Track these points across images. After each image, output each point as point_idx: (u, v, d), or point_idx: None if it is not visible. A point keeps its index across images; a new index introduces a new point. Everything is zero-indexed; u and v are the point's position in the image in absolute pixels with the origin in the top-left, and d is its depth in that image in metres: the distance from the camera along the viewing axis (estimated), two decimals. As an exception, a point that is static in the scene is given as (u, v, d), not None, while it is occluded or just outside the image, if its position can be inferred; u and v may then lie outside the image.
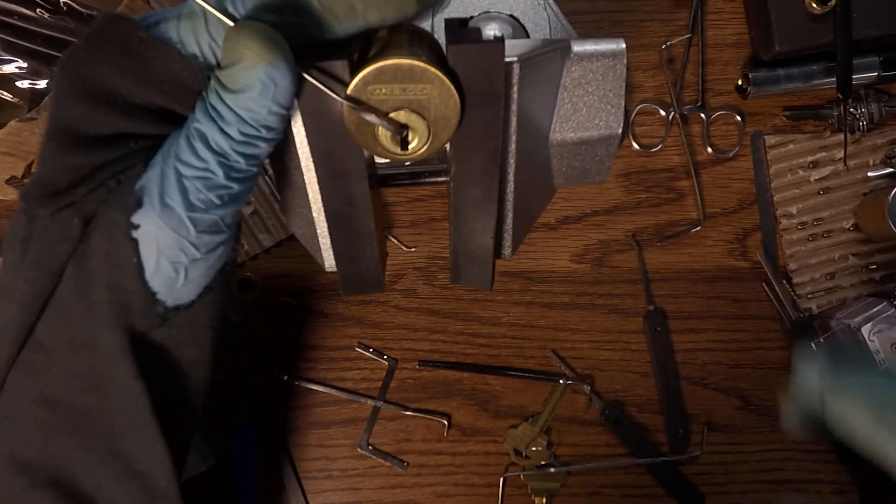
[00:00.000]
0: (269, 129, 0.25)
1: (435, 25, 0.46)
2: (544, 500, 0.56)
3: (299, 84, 0.25)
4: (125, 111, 0.24)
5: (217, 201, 0.25)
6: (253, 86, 0.23)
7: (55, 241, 0.24)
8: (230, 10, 0.23)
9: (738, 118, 0.59)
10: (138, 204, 0.24)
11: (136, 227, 0.24)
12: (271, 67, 0.23)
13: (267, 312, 0.57)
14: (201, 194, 0.24)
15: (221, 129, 0.24)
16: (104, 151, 0.24)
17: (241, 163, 0.25)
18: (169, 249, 0.24)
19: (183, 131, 0.25)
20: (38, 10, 0.49)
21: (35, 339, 0.25)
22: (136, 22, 0.23)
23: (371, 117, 0.25)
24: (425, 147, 0.27)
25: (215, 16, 0.23)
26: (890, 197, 0.53)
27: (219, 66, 0.24)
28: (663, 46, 0.58)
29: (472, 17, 0.50)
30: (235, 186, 0.25)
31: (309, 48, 0.25)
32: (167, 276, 0.25)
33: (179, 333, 0.26)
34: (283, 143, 0.29)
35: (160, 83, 0.24)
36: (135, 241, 0.24)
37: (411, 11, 0.24)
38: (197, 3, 0.23)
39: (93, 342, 0.25)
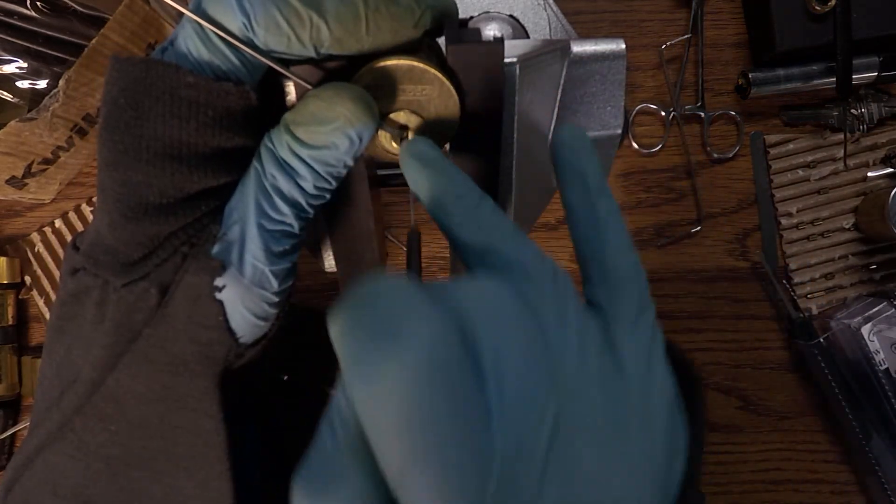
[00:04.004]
0: (337, 179, 0.25)
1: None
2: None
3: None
4: (194, 163, 0.23)
5: (291, 250, 0.25)
6: (339, 144, 0.23)
7: (131, 312, 0.24)
8: (246, 32, 0.22)
9: (738, 118, 0.59)
10: (222, 267, 0.24)
11: (221, 289, 0.24)
12: (363, 126, 0.23)
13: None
14: (281, 247, 0.25)
15: (297, 184, 0.24)
16: (176, 217, 0.24)
17: (311, 213, 0.25)
18: (253, 304, 0.25)
19: (252, 185, 0.24)
20: (38, 10, 0.49)
21: (107, 389, 0.25)
22: (177, 65, 0.22)
23: None
24: (425, 147, 0.27)
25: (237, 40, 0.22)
26: (890, 197, 0.53)
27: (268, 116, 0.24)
28: (663, 46, 0.58)
29: (472, 18, 0.49)
30: (302, 235, 0.26)
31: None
32: (252, 325, 0.25)
33: (249, 359, 0.27)
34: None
35: (220, 121, 0.23)
36: (220, 303, 0.24)
37: (411, 35, 0.24)
38: (215, 31, 0.22)
39: (167, 393, 0.25)
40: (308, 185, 0.24)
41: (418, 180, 0.23)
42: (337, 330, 0.18)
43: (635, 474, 0.19)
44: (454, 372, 0.17)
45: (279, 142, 0.24)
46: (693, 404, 0.22)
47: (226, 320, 0.24)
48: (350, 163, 0.24)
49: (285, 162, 0.24)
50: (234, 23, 0.22)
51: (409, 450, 0.16)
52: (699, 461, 0.22)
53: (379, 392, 0.16)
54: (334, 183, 0.25)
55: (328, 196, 0.25)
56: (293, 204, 0.24)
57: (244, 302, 0.25)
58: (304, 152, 0.23)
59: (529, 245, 0.21)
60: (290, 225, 0.25)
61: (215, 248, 0.24)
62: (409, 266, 0.25)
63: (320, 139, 0.23)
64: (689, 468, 0.21)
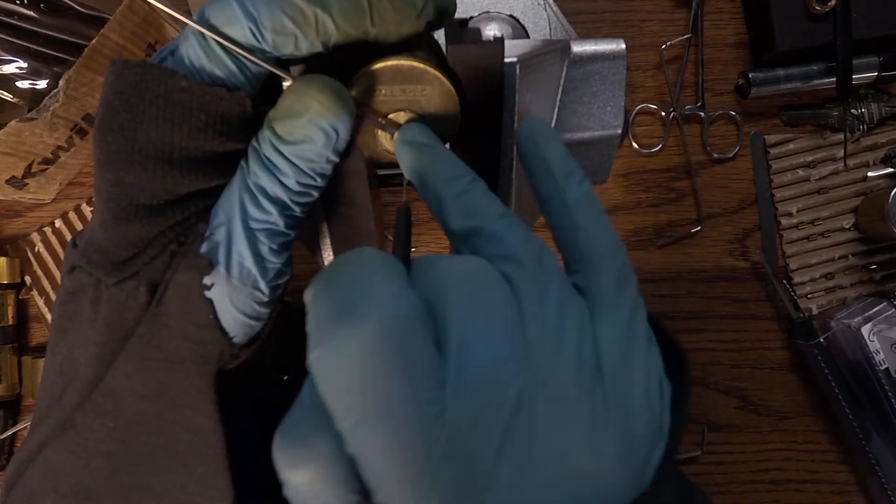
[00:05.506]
0: (323, 176, 0.25)
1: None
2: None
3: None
4: (185, 166, 0.23)
5: (279, 249, 0.25)
6: (315, 138, 0.23)
7: (121, 310, 0.24)
8: (254, 36, 0.22)
9: (738, 118, 0.59)
10: (210, 265, 0.24)
11: (209, 287, 0.24)
12: (336, 119, 0.23)
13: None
14: (267, 246, 0.25)
15: (280, 182, 0.24)
16: (165, 218, 0.24)
17: (298, 211, 0.25)
18: (242, 302, 0.25)
19: (237, 183, 0.24)
20: (38, 10, 0.49)
21: (105, 385, 0.25)
22: (172, 70, 0.22)
23: (370, 119, 0.25)
24: (425, 148, 0.27)
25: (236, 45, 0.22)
26: (890, 197, 0.53)
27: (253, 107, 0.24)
28: (663, 46, 0.58)
29: (472, 18, 0.49)
30: (292, 233, 0.26)
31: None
32: (243, 324, 0.25)
33: (245, 359, 0.27)
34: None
35: (213, 126, 0.23)
36: (210, 301, 0.24)
37: (415, 27, 0.24)
38: (214, 38, 0.22)
39: (164, 391, 0.25)
40: (290, 182, 0.24)
41: (410, 165, 0.23)
42: (307, 300, 0.19)
43: (604, 458, 0.19)
44: (408, 343, 0.18)
45: (262, 140, 0.24)
46: (679, 384, 0.21)
47: (216, 319, 0.25)
48: (333, 158, 0.24)
49: (268, 159, 0.24)
50: (241, 29, 0.22)
51: (360, 411, 0.17)
52: (678, 444, 0.21)
53: (332, 358, 0.17)
54: (319, 180, 0.25)
55: (315, 194, 0.25)
56: (277, 202, 0.24)
57: (233, 301, 0.25)
58: (284, 148, 0.23)
59: (517, 226, 0.21)
60: (274, 223, 0.25)
61: (203, 247, 0.24)
62: (395, 243, 0.25)
63: (297, 134, 0.23)
64: (667, 453, 0.21)
